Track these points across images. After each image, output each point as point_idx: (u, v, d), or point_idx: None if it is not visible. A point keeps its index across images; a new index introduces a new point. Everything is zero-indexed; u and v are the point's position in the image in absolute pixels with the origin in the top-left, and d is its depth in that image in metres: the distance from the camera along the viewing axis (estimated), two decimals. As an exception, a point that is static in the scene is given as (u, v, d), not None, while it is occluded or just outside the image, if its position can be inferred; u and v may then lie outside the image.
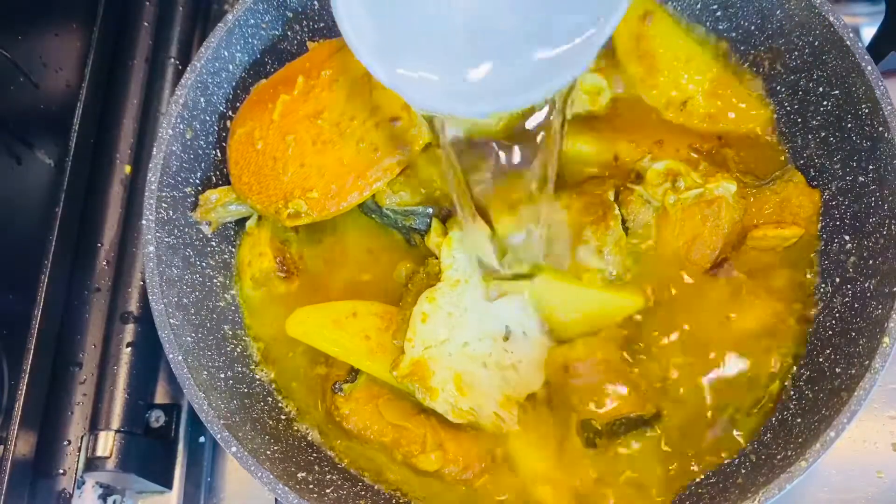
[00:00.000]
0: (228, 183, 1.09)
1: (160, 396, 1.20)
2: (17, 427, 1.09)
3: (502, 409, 1.00)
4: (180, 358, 0.95)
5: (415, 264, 1.07)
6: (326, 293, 1.10)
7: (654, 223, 1.06)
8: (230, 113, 1.12)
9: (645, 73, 1.15)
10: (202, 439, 1.19)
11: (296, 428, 1.05)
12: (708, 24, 1.16)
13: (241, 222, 1.14)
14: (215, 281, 1.10)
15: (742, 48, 1.16)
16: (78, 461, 1.15)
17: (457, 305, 1.00)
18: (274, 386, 1.08)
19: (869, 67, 0.99)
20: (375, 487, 1.01)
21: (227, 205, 1.08)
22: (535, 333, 1.03)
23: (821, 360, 0.99)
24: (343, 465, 1.03)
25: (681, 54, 1.15)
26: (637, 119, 1.14)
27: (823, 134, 1.08)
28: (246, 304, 1.12)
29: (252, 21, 1.11)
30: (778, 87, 1.13)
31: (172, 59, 1.34)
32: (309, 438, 1.04)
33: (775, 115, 1.14)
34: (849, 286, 1.01)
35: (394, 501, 1.01)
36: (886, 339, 0.90)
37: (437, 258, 1.02)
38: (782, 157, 1.13)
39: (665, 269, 1.06)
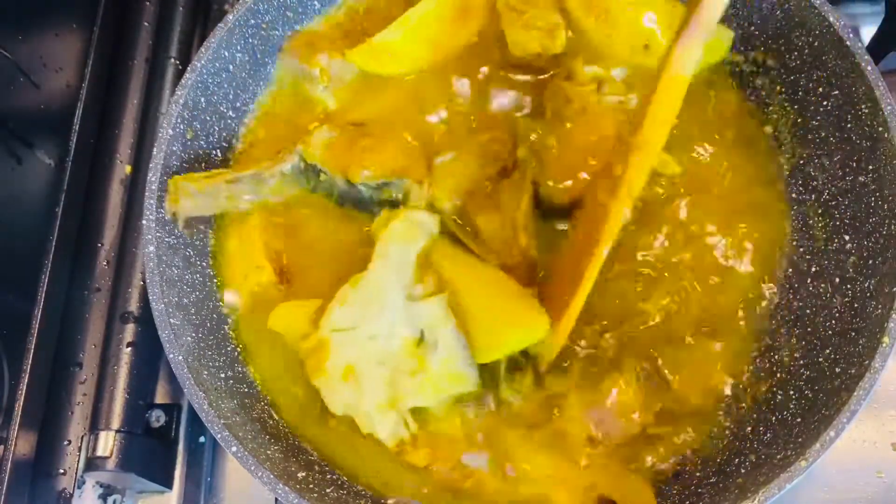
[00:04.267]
0: (228, 183, 1.09)
1: (160, 396, 1.19)
2: (17, 427, 1.09)
3: (377, 411, 0.97)
4: (180, 358, 0.95)
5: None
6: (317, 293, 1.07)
7: (574, 119, 1.07)
8: (230, 113, 1.12)
9: (600, 23, 1.13)
10: (202, 439, 1.19)
11: (295, 427, 1.05)
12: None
13: (226, 234, 1.12)
14: (215, 281, 1.10)
15: (742, 48, 1.16)
16: (78, 461, 1.15)
17: (376, 297, 0.97)
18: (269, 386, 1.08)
19: (869, 67, 0.99)
20: (375, 487, 1.01)
21: (193, 195, 1.04)
22: (450, 346, 0.97)
23: (821, 360, 0.99)
24: (342, 464, 1.03)
25: None
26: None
27: (823, 134, 1.08)
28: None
29: (252, 21, 1.11)
30: (778, 87, 1.13)
31: (172, 59, 1.34)
32: (308, 438, 1.04)
33: (779, 119, 1.14)
34: (849, 286, 1.01)
35: (393, 501, 1.01)
36: (886, 339, 0.90)
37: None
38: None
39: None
